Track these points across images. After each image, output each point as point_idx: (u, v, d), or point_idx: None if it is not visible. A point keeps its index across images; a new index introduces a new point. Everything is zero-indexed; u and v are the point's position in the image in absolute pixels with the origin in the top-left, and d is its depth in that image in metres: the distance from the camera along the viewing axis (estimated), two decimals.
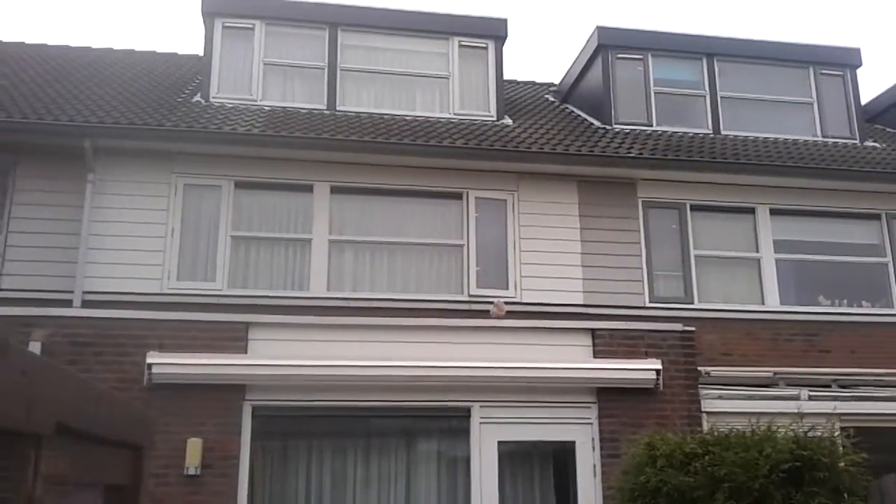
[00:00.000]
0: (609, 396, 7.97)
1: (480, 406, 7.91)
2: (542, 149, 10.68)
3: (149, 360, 7.22)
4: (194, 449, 7.11)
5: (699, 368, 8.20)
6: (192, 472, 7.13)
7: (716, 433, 5.64)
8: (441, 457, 8.07)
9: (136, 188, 9.85)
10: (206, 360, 7.34)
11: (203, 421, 7.29)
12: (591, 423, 7.97)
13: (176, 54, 14.40)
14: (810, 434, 5.35)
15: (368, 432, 8.10)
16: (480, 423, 7.88)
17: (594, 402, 8.01)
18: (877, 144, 12.68)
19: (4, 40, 13.54)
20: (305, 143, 10.07)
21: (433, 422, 8.20)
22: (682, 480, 5.19)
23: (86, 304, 8.95)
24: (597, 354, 8.10)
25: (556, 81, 14.95)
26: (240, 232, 9.99)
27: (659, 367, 7.93)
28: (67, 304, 8.84)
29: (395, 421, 8.19)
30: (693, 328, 8.34)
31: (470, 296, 10.04)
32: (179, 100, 11.17)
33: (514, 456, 8.07)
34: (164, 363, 7.23)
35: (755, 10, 34.25)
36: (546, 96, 14.25)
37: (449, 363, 7.74)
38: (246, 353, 7.63)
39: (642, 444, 5.70)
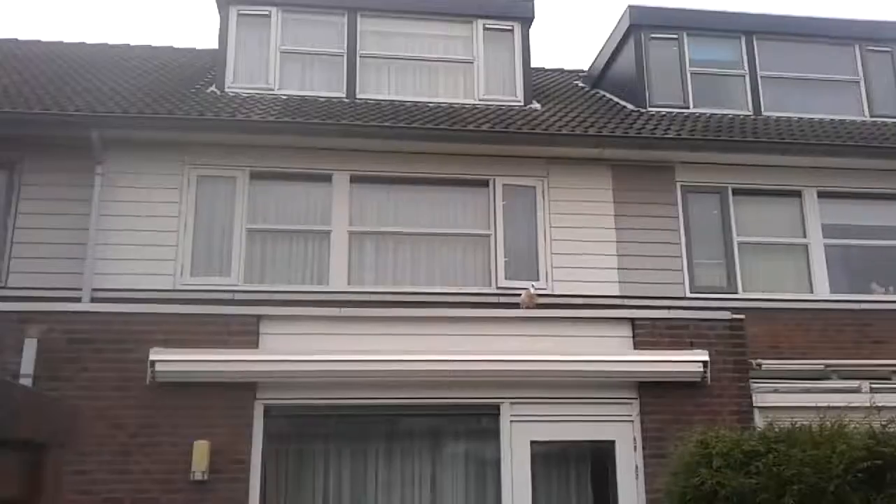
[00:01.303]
0: (651, 391, 7.31)
1: (511, 403, 7.32)
2: (573, 131, 10.08)
3: (152, 357, 6.73)
4: (201, 452, 6.60)
5: (750, 360, 7.52)
6: (199, 477, 6.60)
7: (777, 429, 4.99)
8: (469, 458, 7.47)
9: (147, 180, 9.45)
10: (214, 356, 6.82)
11: (211, 422, 6.78)
12: (632, 421, 7.33)
13: (194, 49, 14.02)
14: (889, 428, 4.69)
15: (391, 432, 7.55)
16: (511, 421, 7.30)
17: (635, 398, 7.37)
18: None
19: (20, 38, 13.25)
20: (323, 129, 9.60)
21: (460, 420, 7.62)
22: (742, 482, 4.55)
23: (95, 301, 8.52)
24: (637, 346, 7.44)
25: (585, 68, 14.33)
26: (256, 225, 9.56)
27: (706, 358, 7.26)
28: (76, 301, 8.41)
29: (420, 420, 7.63)
30: (742, 316, 7.66)
31: (498, 288, 9.50)
32: (193, 91, 10.75)
33: (548, 457, 7.46)
34: (169, 360, 6.73)
35: None
36: (576, 82, 13.64)
37: (477, 357, 7.13)
38: (257, 347, 7.12)
39: (694, 443, 5.08)
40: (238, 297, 8.98)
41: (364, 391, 7.21)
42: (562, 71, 14.69)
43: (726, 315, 7.61)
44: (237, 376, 6.90)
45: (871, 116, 11.83)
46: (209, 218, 9.47)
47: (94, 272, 8.89)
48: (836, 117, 11.66)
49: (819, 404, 6.45)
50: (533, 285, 8.87)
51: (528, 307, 8.26)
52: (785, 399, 7.51)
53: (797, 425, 4.96)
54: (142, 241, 9.18)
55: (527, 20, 11.61)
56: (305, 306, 8.41)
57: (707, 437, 5.08)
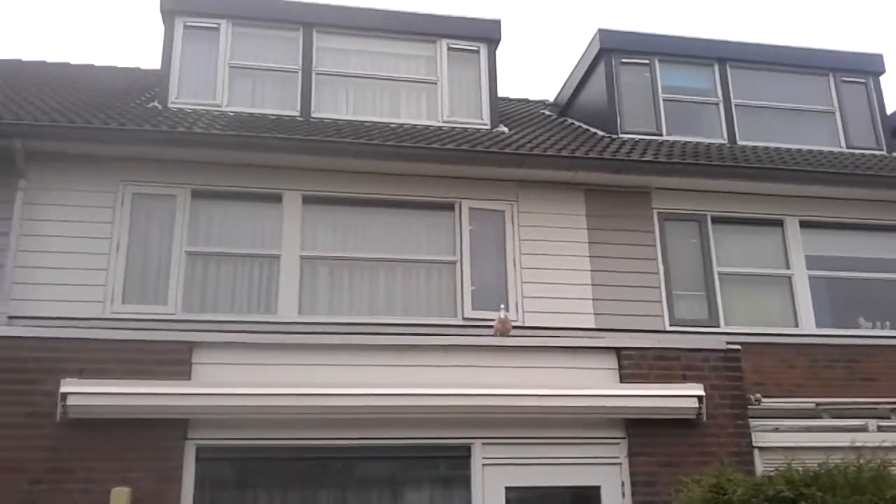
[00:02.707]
0: (641, 430, 6.53)
1: (483, 444, 6.50)
2: (544, 153, 9.43)
3: (63, 389, 5.78)
4: (121, 500, 5.66)
5: (749, 395, 6.80)
6: None
7: (801, 470, 4.22)
8: None
9: (76, 198, 8.58)
10: (138, 388, 5.89)
11: (133, 465, 5.86)
12: (619, 464, 6.54)
13: (138, 69, 13.15)
14: None
15: (344, 478, 6.65)
16: (483, 464, 6.48)
17: (622, 438, 6.58)
18: None
19: None
20: (273, 144, 8.80)
21: (425, 464, 6.74)
22: None
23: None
24: (624, 379, 6.68)
25: (551, 100, 13.83)
26: (197, 248, 8.71)
27: (701, 392, 6.52)
28: None
29: (379, 463, 6.72)
30: (739, 347, 6.96)
31: (464, 319, 8.73)
32: (132, 105, 9.89)
33: None
34: (83, 392, 5.78)
35: (769, 14, 32.49)
36: (542, 111, 13.08)
37: (444, 391, 6.30)
38: (189, 379, 6.20)
39: (706, 487, 4.28)
40: (175, 326, 8.04)
41: (314, 430, 6.36)
42: (527, 101, 14.16)
43: (722, 345, 6.89)
44: (165, 412, 5.99)
45: (848, 147, 11.47)
46: (145, 240, 8.59)
47: (10, 297, 7.91)
48: (814, 148, 11.26)
49: (823, 444, 5.79)
50: (503, 306, 8.12)
51: (502, 335, 7.45)
52: (785, 438, 6.77)
53: (825, 466, 4.20)
54: (68, 264, 8.26)
55: (493, 41, 11.05)
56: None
57: (720, 480, 4.30)
